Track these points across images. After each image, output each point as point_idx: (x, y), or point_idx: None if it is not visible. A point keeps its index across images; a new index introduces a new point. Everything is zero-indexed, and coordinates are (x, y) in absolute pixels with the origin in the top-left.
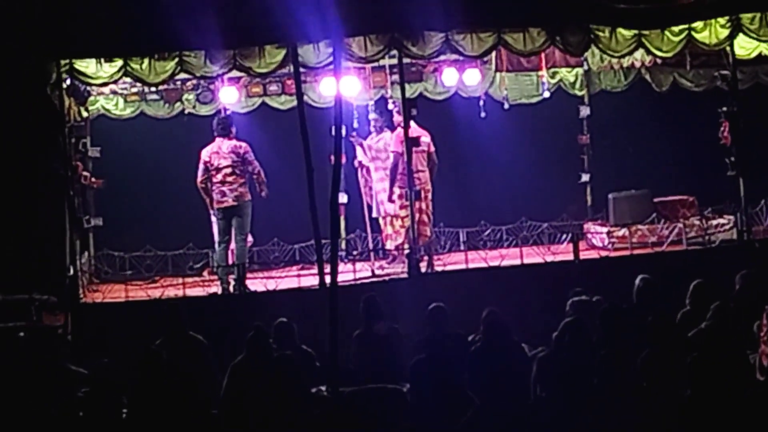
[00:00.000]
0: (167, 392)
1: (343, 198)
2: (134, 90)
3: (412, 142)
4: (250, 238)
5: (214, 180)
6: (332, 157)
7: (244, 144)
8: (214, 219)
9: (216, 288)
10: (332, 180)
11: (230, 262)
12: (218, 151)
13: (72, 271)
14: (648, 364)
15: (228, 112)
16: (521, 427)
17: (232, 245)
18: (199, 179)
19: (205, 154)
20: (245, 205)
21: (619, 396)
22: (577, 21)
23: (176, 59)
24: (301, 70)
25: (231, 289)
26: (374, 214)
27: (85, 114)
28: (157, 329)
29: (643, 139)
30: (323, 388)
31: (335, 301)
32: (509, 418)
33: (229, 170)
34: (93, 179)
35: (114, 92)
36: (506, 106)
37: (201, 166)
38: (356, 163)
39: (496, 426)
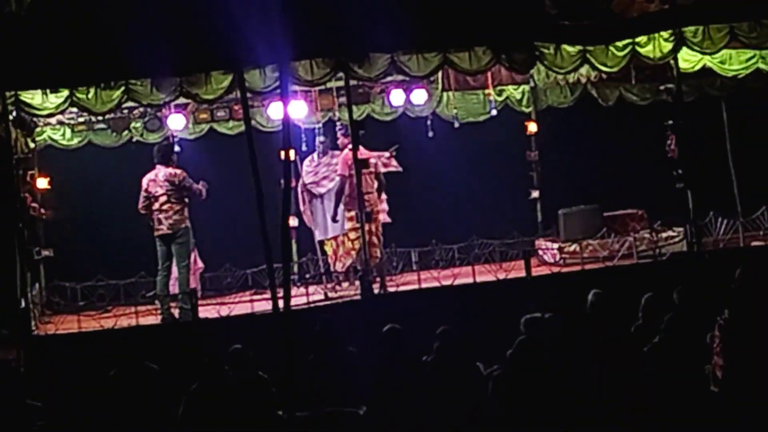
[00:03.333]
0: (123, 422)
1: (293, 221)
2: (81, 119)
3: (360, 164)
4: (200, 264)
5: (153, 208)
6: (282, 181)
7: (179, 171)
8: None
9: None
10: (282, 204)
11: (174, 290)
12: (155, 179)
13: (23, 304)
14: (603, 377)
15: (175, 139)
16: None
17: (176, 273)
18: (139, 206)
19: (144, 181)
20: (182, 232)
21: (576, 411)
22: (522, 39)
23: (122, 88)
24: (249, 95)
25: (176, 316)
26: (318, 237)
27: (32, 145)
28: (111, 359)
29: (591, 154)
30: (280, 412)
31: (289, 325)
32: None
33: (164, 198)
34: (42, 210)
35: (61, 122)
36: (456, 124)
37: (141, 194)
38: (299, 187)
39: None
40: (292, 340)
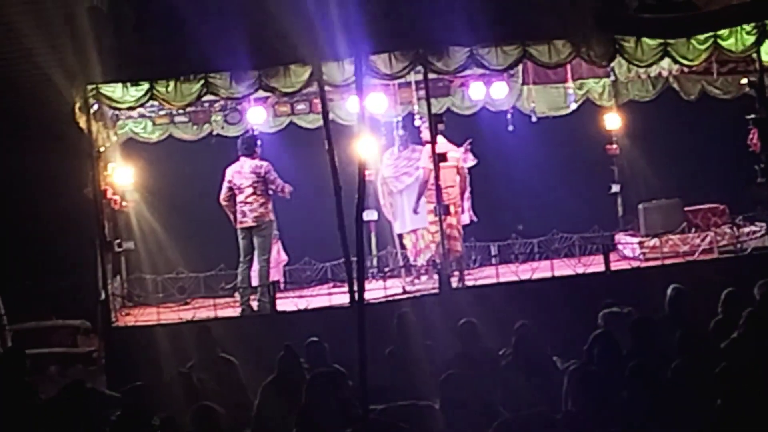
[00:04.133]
0: (199, 413)
1: (372, 215)
2: (162, 113)
3: (439, 158)
4: (284, 257)
5: (237, 200)
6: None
7: (265, 164)
8: None
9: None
10: (357, 197)
11: (254, 283)
12: (240, 171)
13: (104, 296)
14: (679, 374)
15: (255, 132)
16: None
17: (256, 265)
18: (221, 198)
19: (228, 173)
20: (265, 225)
21: (649, 408)
22: (602, 32)
23: (202, 81)
24: (327, 88)
25: (254, 308)
26: (398, 230)
27: (114, 138)
28: (188, 351)
29: (673, 148)
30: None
31: (362, 318)
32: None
33: (249, 190)
34: (124, 203)
35: (142, 115)
36: (534, 118)
37: (224, 185)
38: (380, 180)
39: None
40: (364, 333)
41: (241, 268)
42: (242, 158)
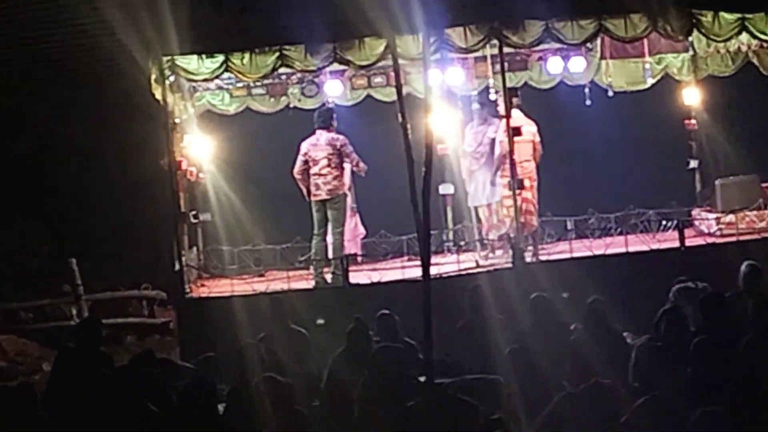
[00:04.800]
0: (267, 385)
1: (448, 189)
2: (240, 85)
3: (514, 132)
4: (362, 230)
5: (312, 172)
6: (438, 148)
7: (341, 137)
8: None
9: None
10: (423, 171)
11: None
12: (316, 144)
13: (178, 267)
14: (750, 349)
15: (332, 105)
16: (613, 417)
17: (330, 238)
18: (295, 170)
19: (304, 146)
20: (339, 198)
21: (717, 384)
22: (679, 6)
23: (277, 54)
24: (403, 61)
25: (328, 281)
26: (473, 203)
27: (191, 109)
28: (261, 323)
29: (752, 124)
30: (423, 379)
31: (428, 292)
32: (605, 407)
33: (324, 162)
34: (200, 174)
35: (220, 87)
36: (610, 93)
37: (299, 158)
38: (459, 151)
39: (586, 414)
40: (430, 307)
41: (315, 241)
42: (318, 131)
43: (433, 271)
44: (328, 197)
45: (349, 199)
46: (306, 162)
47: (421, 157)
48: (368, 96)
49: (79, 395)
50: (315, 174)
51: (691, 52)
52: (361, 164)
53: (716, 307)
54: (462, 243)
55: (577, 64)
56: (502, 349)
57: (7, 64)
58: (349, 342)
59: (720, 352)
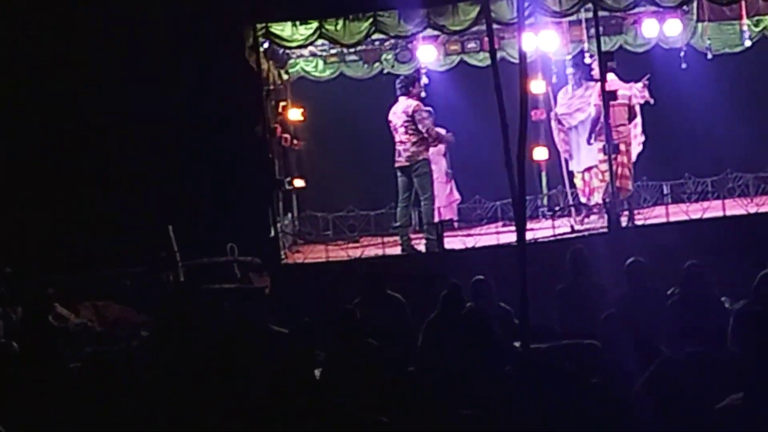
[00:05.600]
0: (363, 350)
1: (543, 153)
2: (333, 51)
3: (609, 96)
4: (457, 196)
5: (395, 139)
6: (534, 112)
7: (415, 103)
8: None
9: (418, 246)
10: (519, 135)
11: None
12: (395, 111)
13: (273, 233)
14: None
15: (424, 71)
16: (713, 382)
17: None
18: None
19: (390, 114)
20: (420, 164)
21: None
22: None
23: (370, 20)
24: (496, 26)
25: (415, 248)
26: (573, 168)
27: (285, 77)
28: (356, 288)
29: None
30: (517, 344)
31: (524, 258)
32: (703, 372)
33: (402, 129)
34: (294, 141)
35: (313, 54)
36: (710, 56)
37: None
38: (552, 116)
39: (684, 379)
40: (525, 272)
41: (399, 207)
42: (400, 98)
43: (528, 236)
44: (407, 164)
45: (444, 164)
46: (390, 129)
47: (515, 122)
48: (462, 61)
49: (173, 363)
50: (396, 141)
51: None
52: (433, 132)
53: None
54: (557, 208)
55: (673, 27)
56: (600, 314)
57: (100, 33)
58: (443, 307)
59: None
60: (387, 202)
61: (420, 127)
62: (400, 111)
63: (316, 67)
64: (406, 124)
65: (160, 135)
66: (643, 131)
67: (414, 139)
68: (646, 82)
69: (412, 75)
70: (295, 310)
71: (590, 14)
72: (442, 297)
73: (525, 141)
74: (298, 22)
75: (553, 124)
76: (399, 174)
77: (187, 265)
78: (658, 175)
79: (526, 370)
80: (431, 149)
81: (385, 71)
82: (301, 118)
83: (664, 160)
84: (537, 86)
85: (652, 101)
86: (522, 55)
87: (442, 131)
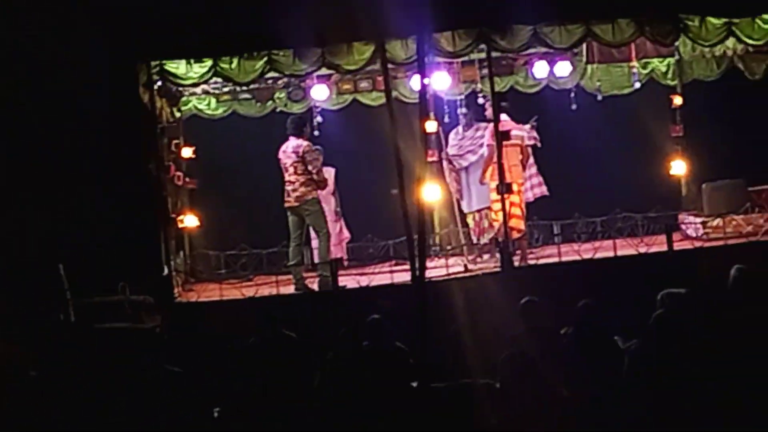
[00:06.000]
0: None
1: (435, 193)
2: (226, 89)
3: (502, 136)
4: (347, 234)
5: (285, 179)
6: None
7: (305, 143)
8: None
9: (311, 284)
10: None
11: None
12: (285, 150)
13: (166, 271)
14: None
15: (317, 110)
16: (610, 421)
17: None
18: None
19: (279, 152)
20: (309, 203)
21: (714, 389)
22: (666, 11)
23: (265, 58)
24: (390, 66)
25: (310, 286)
26: (464, 209)
27: (177, 114)
28: (251, 328)
29: (737, 128)
30: (415, 383)
31: (424, 296)
32: (599, 411)
33: (291, 170)
34: (186, 179)
35: (206, 92)
36: (599, 97)
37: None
38: (443, 156)
39: (584, 419)
40: (426, 311)
41: (292, 246)
42: (290, 138)
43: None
44: (296, 204)
45: (333, 203)
46: (280, 169)
47: (408, 161)
48: (354, 100)
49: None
50: (286, 181)
51: (676, 57)
52: (320, 175)
53: (705, 312)
54: (449, 247)
55: (563, 68)
56: (495, 354)
57: None
58: (340, 346)
59: (716, 355)
60: (279, 241)
61: (309, 167)
62: (290, 150)
63: (208, 105)
64: (295, 164)
65: (53, 174)
66: (539, 171)
67: (303, 179)
68: (534, 124)
69: (304, 115)
70: (189, 349)
71: (483, 54)
72: (339, 336)
73: (423, 180)
74: (192, 60)
75: (445, 164)
76: (289, 213)
77: (78, 303)
78: (549, 215)
79: (425, 409)
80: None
81: (278, 110)
82: (194, 156)
83: (554, 200)
84: (429, 126)
85: (539, 144)
86: (422, 96)
87: (331, 170)
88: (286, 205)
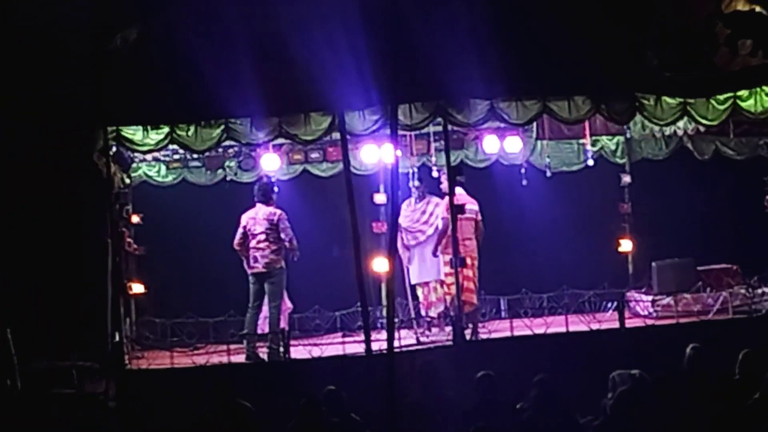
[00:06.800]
0: None
1: (383, 265)
2: (176, 157)
3: (457, 210)
4: (289, 305)
5: (250, 245)
6: (374, 224)
7: (279, 211)
8: None
9: (261, 354)
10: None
11: (264, 329)
12: (255, 217)
13: (117, 337)
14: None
15: (271, 179)
16: None
17: (266, 312)
18: (235, 242)
19: (243, 218)
20: (276, 272)
21: None
22: (623, 89)
23: (222, 126)
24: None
25: (261, 356)
26: (413, 281)
27: (127, 181)
28: (203, 397)
29: (686, 207)
30: None
31: (392, 368)
32: None
33: (262, 237)
34: (135, 246)
35: (156, 159)
36: (549, 173)
37: (239, 230)
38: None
39: None
40: (393, 382)
41: (249, 314)
42: (258, 204)
43: (374, 346)
44: (264, 270)
45: None
46: (245, 235)
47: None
48: (305, 170)
49: None
50: (253, 247)
51: (626, 135)
52: (294, 242)
53: (669, 390)
54: (398, 319)
55: (513, 144)
56: (449, 427)
57: None
58: (301, 418)
59: None
60: (226, 309)
61: (282, 235)
62: (261, 218)
63: (158, 172)
64: (268, 231)
65: (1, 236)
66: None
67: (274, 247)
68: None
69: (270, 183)
70: (140, 417)
71: (436, 128)
72: (300, 408)
73: (394, 253)
74: (149, 127)
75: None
76: (253, 280)
77: (25, 369)
78: (496, 290)
79: None
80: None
81: (228, 178)
82: (141, 223)
83: (502, 275)
84: (379, 198)
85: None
86: (382, 166)
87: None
88: (252, 271)
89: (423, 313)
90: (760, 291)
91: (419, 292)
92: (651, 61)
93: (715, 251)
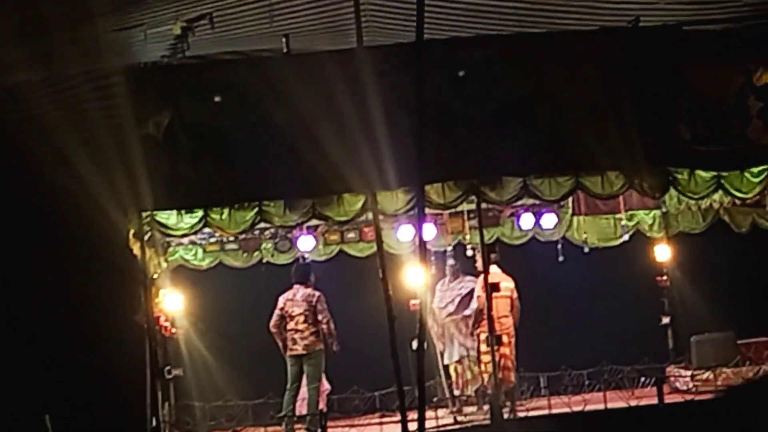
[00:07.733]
0: None
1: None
2: (213, 240)
3: (492, 288)
4: (327, 386)
5: (288, 327)
6: (411, 303)
7: (317, 293)
8: None
9: None
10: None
11: (302, 411)
12: (293, 299)
13: (155, 423)
14: None
15: (307, 260)
16: None
17: (303, 394)
18: (271, 324)
19: (281, 300)
20: (316, 354)
21: None
22: (655, 164)
23: (256, 209)
24: (380, 217)
25: None
26: (446, 361)
27: (164, 264)
28: None
29: (724, 281)
30: None
31: None
32: None
33: (301, 318)
34: (173, 329)
35: (193, 243)
36: (586, 249)
37: (276, 312)
38: (430, 309)
39: None
40: None
41: (288, 396)
42: (296, 286)
43: (411, 427)
44: (304, 352)
45: None
46: (282, 317)
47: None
48: (341, 251)
49: None
50: (291, 329)
51: (662, 209)
52: (331, 325)
53: None
54: (434, 399)
55: (549, 220)
56: None
57: None
58: None
59: None
60: (264, 392)
61: (320, 317)
62: (300, 299)
63: (195, 255)
64: (306, 313)
65: (39, 325)
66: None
67: (313, 329)
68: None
69: (308, 264)
70: None
71: (470, 206)
72: None
73: (424, 333)
74: (183, 211)
75: (430, 316)
76: (291, 363)
77: None
78: (535, 367)
79: None
80: None
81: (265, 260)
82: (180, 306)
83: (540, 352)
84: (415, 277)
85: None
86: (413, 246)
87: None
88: (291, 353)
89: (456, 392)
90: None
91: (452, 371)
92: (683, 134)
93: (755, 324)
